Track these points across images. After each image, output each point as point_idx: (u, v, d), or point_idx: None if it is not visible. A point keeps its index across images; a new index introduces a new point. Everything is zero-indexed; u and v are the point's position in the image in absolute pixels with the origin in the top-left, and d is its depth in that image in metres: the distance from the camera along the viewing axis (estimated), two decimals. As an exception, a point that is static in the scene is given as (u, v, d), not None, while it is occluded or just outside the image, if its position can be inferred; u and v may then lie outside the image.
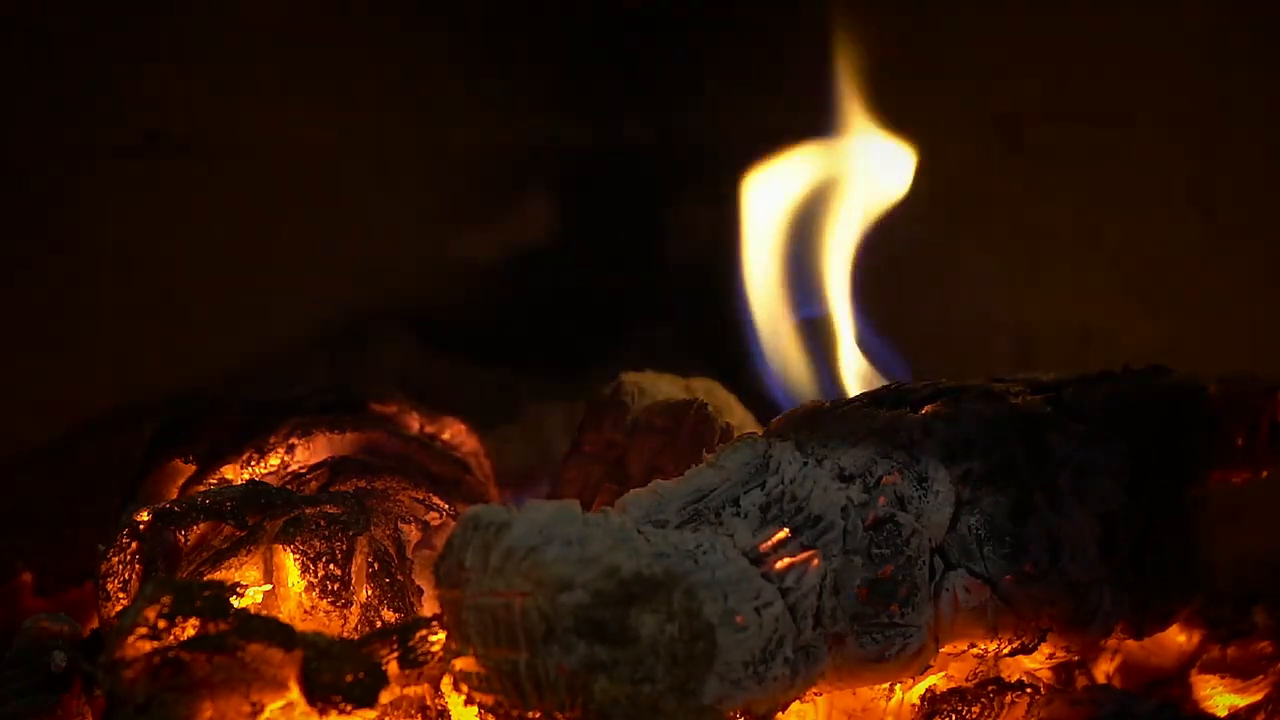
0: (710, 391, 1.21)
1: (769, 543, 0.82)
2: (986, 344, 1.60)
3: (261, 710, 0.79)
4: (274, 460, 1.04)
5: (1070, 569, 0.88)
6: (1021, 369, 0.99)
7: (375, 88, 1.73)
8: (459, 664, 0.78)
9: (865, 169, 1.20)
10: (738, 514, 0.83)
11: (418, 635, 0.82)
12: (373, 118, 1.74)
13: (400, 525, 1.00)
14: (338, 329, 1.74)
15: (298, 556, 0.93)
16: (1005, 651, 0.91)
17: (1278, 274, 1.36)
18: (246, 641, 0.78)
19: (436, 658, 0.82)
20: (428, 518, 1.02)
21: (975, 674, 0.94)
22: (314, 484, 1.03)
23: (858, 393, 1.02)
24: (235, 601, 0.83)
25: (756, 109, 1.83)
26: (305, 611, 0.93)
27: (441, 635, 0.82)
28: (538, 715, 0.77)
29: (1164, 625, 0.95)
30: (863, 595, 0.83)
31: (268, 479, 1.02)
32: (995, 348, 1.58)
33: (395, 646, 0.81)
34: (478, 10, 1.83)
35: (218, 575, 0.92)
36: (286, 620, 0.87)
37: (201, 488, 1.03)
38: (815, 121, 1.28)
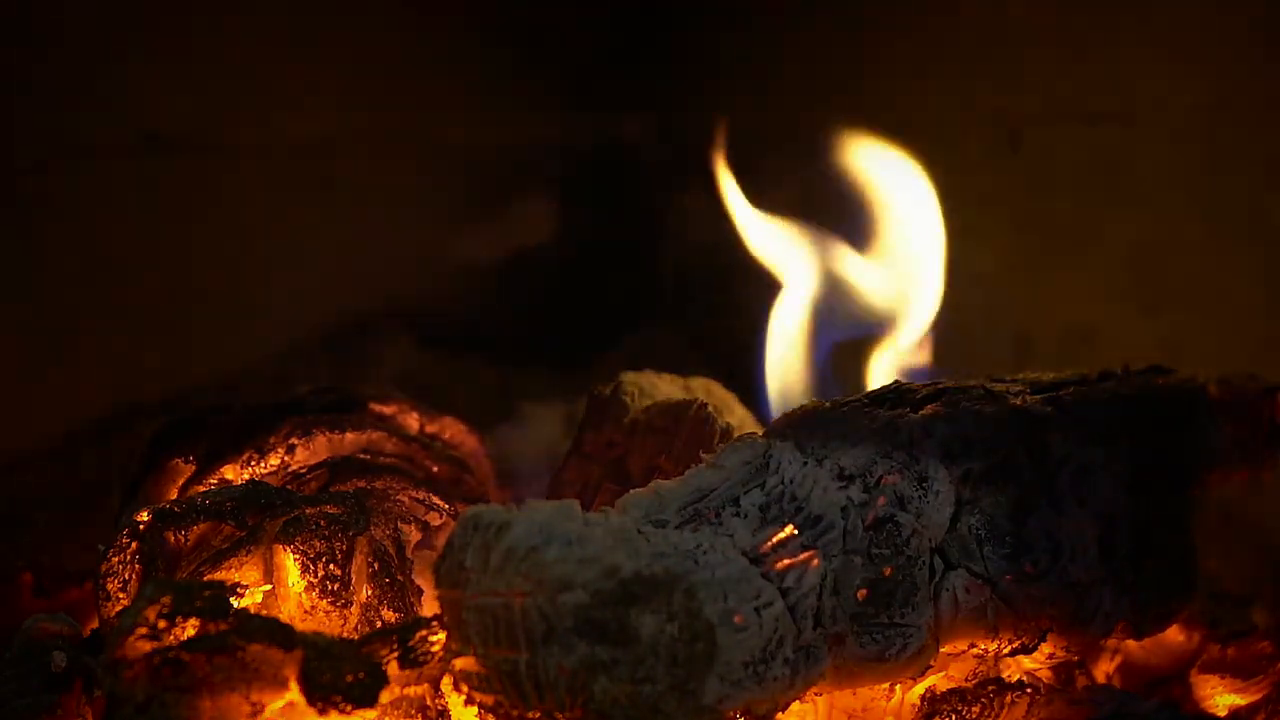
0: (710, 391, 1.21)
1: (769, 543, 0.82)
2: (986, 344, 1.60)
3: (261, 710, 0.79)
4: (274, 460, 1.04)
5: (1070, 569, 0.88)
6: (1021, 369, 0.99)
7: (375, 88, 1.73)
8: (459, 664, 0.78)
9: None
10: (738, 514, 0.83)
11: (418, 635, 0.82)
12: (373, 118, 1.74)
13: (400, 525, 1.00)
14: (338, 329, 1.75)
15: (298, 556, 0.93)
16: (1005, 651, 0.91)
17: (1278, 274, 1.36)
18: (246, 641, 0.78)
19: (436, 658, 0.82)
20: (428, 518, 1.02)
21: (975, 674, 0.94)
22: (314, 484, 1.03)
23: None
24: (235, 601, 0.83)
25: (756, 109, 1.83)
26: (305, 611, 0.93)
27: (441, 635, 0.82)
28: (538, 715, 0.77)
29: (1164, 625, 0.95)
30: (863, 595, 0.83)
31: (268, 479, 1.02)
32: (995, 348, 1.58)
33: (395, 646, 0.81)
34: (478, 10, 1.83)
35: (218, 575, 0.92)
36: (286, 620, 0.87)
37: (201, 488, 1.03)
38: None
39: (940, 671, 0.94)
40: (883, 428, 0.89)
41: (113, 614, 0.93)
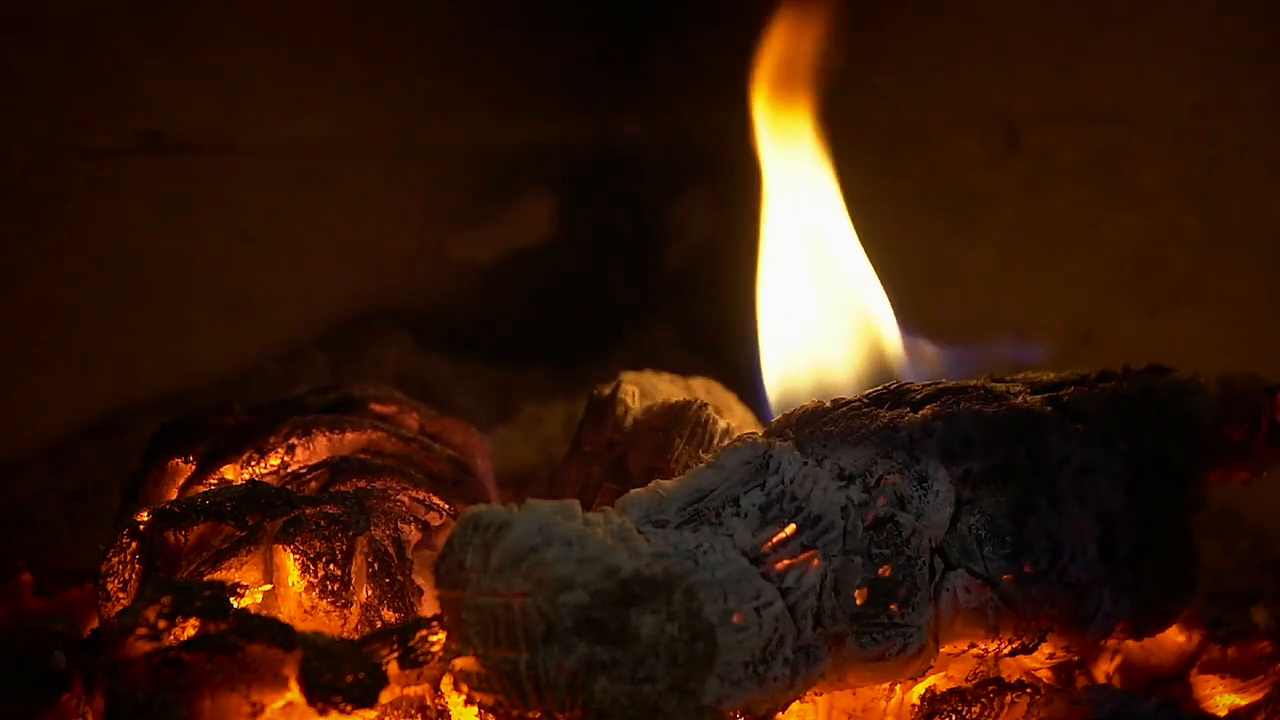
0: (710, 391, 1.21)
1: (769, 543, 0.82)
2: (986, 344, 1.60)
3: (261, 710, 0.79)
4: (274, 460, 1.04)
5: (1070, 569, 0.88)
6: (1021, 369, 0.99)
7: (375, 88, 1.73)
8: (459, 664, 0.78)
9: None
10: (738, 514, 0.83)
11: (418, 635, 0.82)
12: (373, 118, 1.74)
13: (400, 525, 1.00)
14: (338, 329, 1.74)
15: (298, 556, 0.93)
16: (1005, 651, 0.91)
17: (1278, 274, 1.36)
18: (246, 641, 0.79)
19: (436, 658, 0.82)
20: (428, 518, 1.02)
21: (975, 674, 0.94)
22: (314, 484, 1.03)
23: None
24: (235, 601, 0.83)
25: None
26: (305, 611, 0.93)
27: (441, 635, 0.82)
28: (538, 715, 0.77)
29: (1164, 625, 0.95)
30: (863, 595, 0.83)
31: (268, 479, 1.02)
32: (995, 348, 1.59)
33: (395, 646, 0.82)
34: (478, 10, 1.83)
35: (218, 575, 0.92)
36: (286, 620, 0.87)
37: (201, 488, 1.03)
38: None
39: (940, 671, 0.94)
40: (882, 428, 0.89)
41: (113, 614, 0.93)
